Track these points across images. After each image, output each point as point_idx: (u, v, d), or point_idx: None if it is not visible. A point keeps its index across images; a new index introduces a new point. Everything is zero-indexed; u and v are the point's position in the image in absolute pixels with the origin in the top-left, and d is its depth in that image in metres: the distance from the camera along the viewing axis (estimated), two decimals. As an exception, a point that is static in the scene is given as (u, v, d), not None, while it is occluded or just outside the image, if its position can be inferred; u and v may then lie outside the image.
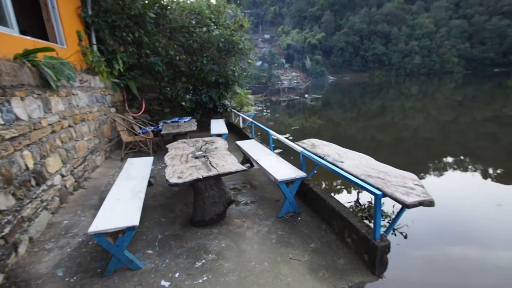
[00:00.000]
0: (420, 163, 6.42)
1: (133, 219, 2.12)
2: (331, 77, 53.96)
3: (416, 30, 52.79)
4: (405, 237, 3.17)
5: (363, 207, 3.58)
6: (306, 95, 25.07)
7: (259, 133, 7.62)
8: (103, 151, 5.16)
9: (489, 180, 5.36)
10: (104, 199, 2.48)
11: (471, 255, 3.04)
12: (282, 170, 3.08)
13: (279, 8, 69.04)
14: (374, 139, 9.24)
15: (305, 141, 3.88)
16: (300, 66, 54.60)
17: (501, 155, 6.84)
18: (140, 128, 6.13)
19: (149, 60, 6.59)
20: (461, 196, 4.67)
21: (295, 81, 46.74)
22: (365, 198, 3.78)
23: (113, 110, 6.02)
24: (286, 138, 4.32)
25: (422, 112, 14.59)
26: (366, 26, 54.87)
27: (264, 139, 6.35)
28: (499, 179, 5.35)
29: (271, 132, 4.54)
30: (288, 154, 5.82)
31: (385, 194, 2.07)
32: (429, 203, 1.92)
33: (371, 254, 2.14)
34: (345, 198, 4.14)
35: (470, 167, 6.11)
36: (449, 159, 6.57)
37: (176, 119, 6.67)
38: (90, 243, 2.61)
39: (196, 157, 3.25)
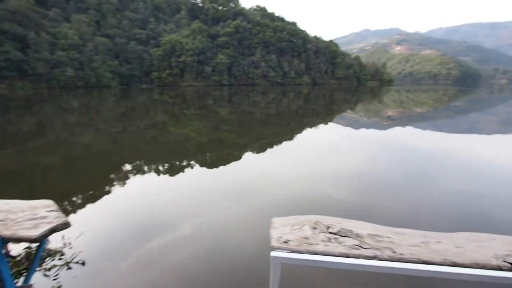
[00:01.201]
0: (102, 177, 6.51)
1: None
2: None
3: (61, 40, 53.10)
4: (83, 264, 3.03)
5: (17, 259, 2.86)
6: None
7: None
8: None
9: (160, 174, 6.74)
10: None
11: (166, 240, 3.55)
12: None
13: None
14: (38, 164, 7.82)
15: None
16: None
17: (163, 153, 8.96)
18: None
19: None
20: (135, 195, 5.39)
21: None
22: (18, 247, 3.05)
23: None
24: None
25: (90, 126, 15.05)
26: (-15, 21, 45.04)
27: None
28: (163, 172, 6.93)
29: None
30: None
31: (5, 239, 1.74)
32: (64, 226, 1.97)
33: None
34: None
35: (145, 167, 7.29)
36: (128, 166, 7.35)
37: None
38: None
39: None
